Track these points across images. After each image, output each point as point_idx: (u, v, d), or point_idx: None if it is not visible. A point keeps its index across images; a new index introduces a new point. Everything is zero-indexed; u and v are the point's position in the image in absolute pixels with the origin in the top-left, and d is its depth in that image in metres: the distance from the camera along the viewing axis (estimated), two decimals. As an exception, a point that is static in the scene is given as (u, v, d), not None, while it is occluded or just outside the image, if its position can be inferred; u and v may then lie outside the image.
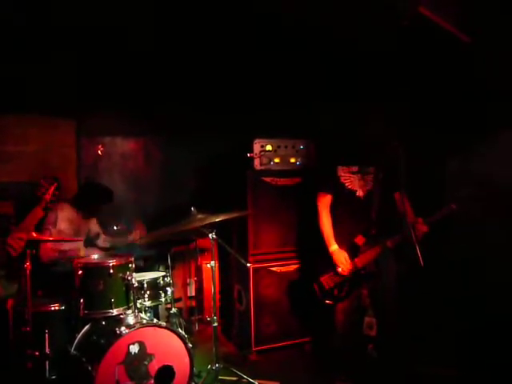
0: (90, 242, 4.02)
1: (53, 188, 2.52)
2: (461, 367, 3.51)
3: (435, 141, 3.91)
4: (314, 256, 3.60)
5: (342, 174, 3.46)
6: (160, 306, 4.10)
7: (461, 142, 3.85)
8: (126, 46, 4.21)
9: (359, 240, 3.39)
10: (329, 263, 3.40)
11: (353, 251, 3.39)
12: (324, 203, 3.52)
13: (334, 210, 3.51)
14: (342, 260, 3.36)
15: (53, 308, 3.24)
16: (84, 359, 3.04)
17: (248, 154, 4.16)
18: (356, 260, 3.38)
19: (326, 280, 3.44)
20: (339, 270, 3.37)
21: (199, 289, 5.01)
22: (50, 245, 3.69)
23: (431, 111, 3.98)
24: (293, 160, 4.31)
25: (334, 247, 3.40)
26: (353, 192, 3.44)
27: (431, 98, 3.96)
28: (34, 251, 3.00)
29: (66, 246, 3.73)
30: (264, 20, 3.99)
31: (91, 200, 3.94)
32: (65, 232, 3.78)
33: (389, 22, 3.66)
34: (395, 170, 3.16)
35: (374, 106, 3.47)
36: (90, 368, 2.93)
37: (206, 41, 4.26)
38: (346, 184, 3.45)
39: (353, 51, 4.18)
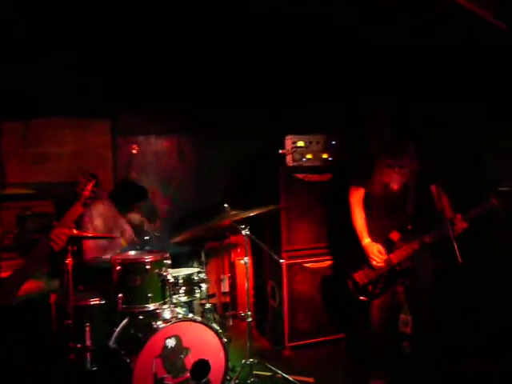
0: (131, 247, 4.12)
1: (91, 185, 2.58)
2: (500, 364, 3.44)
3: (473, 132, 3.84)
4: (347, 251, 3.57)
5: (375, 167, 3.41)
6: (194, 302, 4.14)
7: (500, 132, 3.76)
8: (160, 45, 4.27)
9: (394, 235, 3.32)
10: (362, 258, 3.36)
11: (388, 247, 3.33)
12: (356, 197, 3.46)
13: (367, 204, 3.45)
14: (375, 252, 3.28)
15: (93, 302, 3.34)
16: (123, 352, 3.12)
17: (280, 151, 4.18)
18: (391, 256, 3.32)
19: (360, 276, 3.38)
20: (373, 263, 3.31)
21: (233, 285, 5.06)
22: (91, 246, 3.82)
23: (468, 102, 3.90)
24: (325, 156, 4.30)
25: (366, 240, 3.34)
26: (386, 185, 3.38)
27: (467, 88, 3.88)
28: (76, 248, 3.09)
29: (108, 255, 3.85)
30: (295, 17, 3.99)
31: (127, 197, 4.04)
32: (99, 228, 3.90)
33: (418, 15, 3.59)
34: (430, 163, 3.12)
35: (407, 99, 3.43)
36: (128, 360, 3.01)
37: (236, 39, 4.28)
38: (379, 177, 3.39)
39: (383, 45, 4.13)
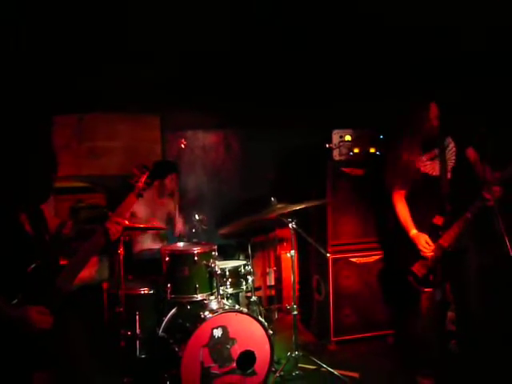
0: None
1: (145, 176, 2.65)
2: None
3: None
4: (398, 247, 3.52)
5: (422, 164, 3.37)
6: (240, 294, 4.20)
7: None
8: (206, 44, 4.32)
9: (437, 220, 3.27)
10: (414, 250, 3.31)
11: (434, 232, 3.28)
12: (398, 197, 3.45)
13: (408, 196, 3.44)
14: (422, 242, 3.26)
15: (143, 292, 3.45)
16: (171, 341, 3.21)
17: (327, 145, 4.16)
18: (440, 241, 3.25)
19: (418, 268, 3.32)
20: (423, 252, 3.27)
21: (278, 278, 5.08)
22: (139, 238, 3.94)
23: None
24: (372, 150, 4.24)
25: (413, 231, 3.32)
26: (426, 175, 3.36)
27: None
28: (128, 238, 3.19)
29: (155, 246, 3.96)
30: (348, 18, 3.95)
31: (159, 171, 4.16)
32: (140, 215, 4.00)
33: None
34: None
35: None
36: (176, 349, 3.09)
37: (282, 37, 4.28)
38: (429, 172, 3.37)
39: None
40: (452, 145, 3.38)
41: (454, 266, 3.29)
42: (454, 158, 3.36)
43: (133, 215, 3.94)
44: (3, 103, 3.79)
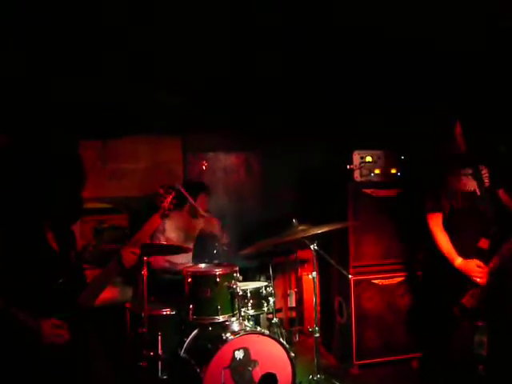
0: (199, 259, 4.23)
1: (170, 197, 2.67)
2: None
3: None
4: (442, 279, 3.34)
5: (455, 178, 3.27)
6: (261, 316, 4.19)
7: None
8: (225, 68, 4.38)
9: (483, 243, 3.09)
10: (462, 280, 3.10)
11: (481, 257, 3.08)
12: (435, 222, 3.29)
13: (454, 221, 3.26)
14: (475, 269, 3.05)
15: (165, 312, 3.47)
16: (193, 362, 3.21)
17: (348, 166, 4.17)
18: (490, 265, 3.05)
19: (468, 300, 3.10)
20: (477, 280, 3.05)
21: (299, 300, 5.06)
22: (158, 258, 3.96)
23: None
24: (393, 171, 4.24)
25: (458, 261, 3.12)
26: (472, 193, 3.21)
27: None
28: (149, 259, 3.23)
29: (177, 260, 3.97)
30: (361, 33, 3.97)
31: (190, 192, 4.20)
32: (173, 241, 4.03)
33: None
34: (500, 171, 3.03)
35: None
36: (198, 370, 3.09)
37: (303, 57, 4.32)
38: (462, 187, 3.24)
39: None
40: (485, 170, 3.25)
41: (496, 289, 3.11)
42: (487, 180, 3.24)
43: (164, 240, 3.97)
44: (38, 131, 3.93)
